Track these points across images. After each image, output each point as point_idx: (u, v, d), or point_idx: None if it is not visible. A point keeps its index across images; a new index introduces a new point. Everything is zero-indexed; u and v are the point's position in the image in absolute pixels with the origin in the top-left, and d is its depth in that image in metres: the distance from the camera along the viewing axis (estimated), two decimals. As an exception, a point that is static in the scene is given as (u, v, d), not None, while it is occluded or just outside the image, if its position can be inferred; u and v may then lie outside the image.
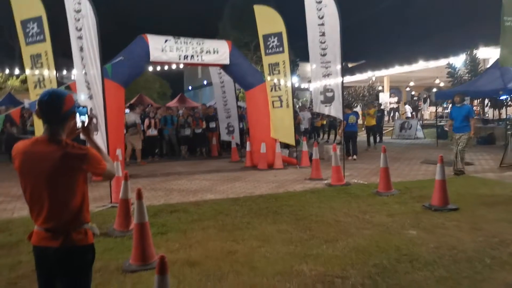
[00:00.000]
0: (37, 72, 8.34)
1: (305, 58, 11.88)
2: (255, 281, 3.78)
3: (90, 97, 7.01)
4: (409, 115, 26.75)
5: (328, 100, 8.48)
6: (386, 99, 27.77)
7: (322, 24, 8.29)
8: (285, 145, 11.55)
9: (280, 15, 10.56)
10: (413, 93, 35.97)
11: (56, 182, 2.14)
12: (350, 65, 37.53)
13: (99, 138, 6.87)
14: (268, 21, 10.57)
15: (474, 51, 18.66)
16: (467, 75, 18.93)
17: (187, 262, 4.22)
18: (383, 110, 20.57)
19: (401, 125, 21.10)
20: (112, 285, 3.77)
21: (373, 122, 15.71)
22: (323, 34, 8.31)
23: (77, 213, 2.21)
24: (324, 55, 8.36)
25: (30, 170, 2.16)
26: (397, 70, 24.69)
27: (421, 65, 22.58)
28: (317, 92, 8.68)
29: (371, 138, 15.85)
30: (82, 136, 2.45)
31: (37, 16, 8.17)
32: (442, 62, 20.68)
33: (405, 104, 29.04)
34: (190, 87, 46.40)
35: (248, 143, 11.47)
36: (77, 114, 2.31)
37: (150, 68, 12.60)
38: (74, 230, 2.19)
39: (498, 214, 5.80)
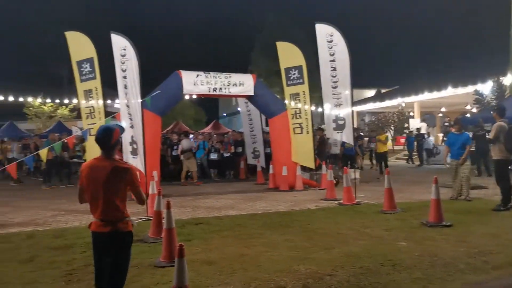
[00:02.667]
0: (89, 104, 9.77)
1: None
2: (259, 275, 4.68)
3: (132, 126, 8.23)
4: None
5: (340, 127, 9.35)
6: (416, 124, 27.97)
7: (333, 60, 9.26)
8: (309, 169, 12.31)
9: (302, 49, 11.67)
10: (446, 118, 35.74)
11: (108, 187, 3.19)
12: (383, 91, 38.02)
13: (138, 161, 8.03)
14: (289, 55, 11.68)
15: (501, 78, 18.92)
16: (494, 101, 19.18)
17: (205, 262, 5.19)
18: (423, 135, 20.51)
19: (429, 151, 21.33)
20: (145, 276, 4.77)
21: (384, 148, 14.97)
22: (334, 69, 9.26)
23: (122, 209, 3.25)
24: (335, 87, 9.29)
25: (92, 178, 3.22)
26: (426, 96, 24.90)
27: (450, 91, 22.74)
28: (330, 120, 9.57)
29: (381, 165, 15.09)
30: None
31: (90, 57, 9.67)
32: (471, 88, 20.89)
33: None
34: (224, 114, 48.15)
35: (271, 166, 12.40)
36: None
37: (187, 96, 13.76)
38: (120, 221, 3.22)
39: (487, 229, 6.39)
